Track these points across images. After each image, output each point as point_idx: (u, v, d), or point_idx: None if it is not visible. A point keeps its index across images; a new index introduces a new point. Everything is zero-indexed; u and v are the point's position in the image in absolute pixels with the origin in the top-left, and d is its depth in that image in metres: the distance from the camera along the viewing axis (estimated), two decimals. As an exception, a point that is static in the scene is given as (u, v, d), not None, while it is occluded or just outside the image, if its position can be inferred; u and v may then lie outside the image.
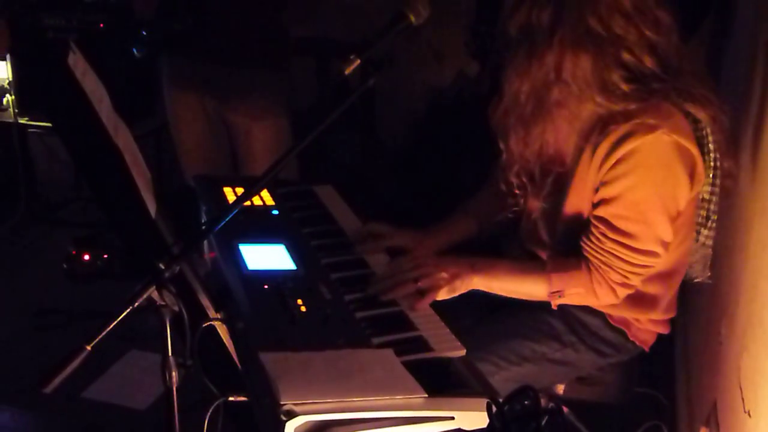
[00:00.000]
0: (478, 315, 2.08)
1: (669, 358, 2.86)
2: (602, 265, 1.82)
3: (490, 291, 1.89)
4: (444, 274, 1.84)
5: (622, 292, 1.86)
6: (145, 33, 2.93)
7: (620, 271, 1.81)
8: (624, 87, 1.73)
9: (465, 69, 4.21)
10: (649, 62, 1.74)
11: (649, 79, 1.74)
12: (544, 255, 1.98)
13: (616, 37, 1.71)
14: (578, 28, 1.71)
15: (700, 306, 2.45)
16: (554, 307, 1.92)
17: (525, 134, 1.86)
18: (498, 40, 1.82)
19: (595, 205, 1.83)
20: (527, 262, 1.96)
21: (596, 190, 1.82)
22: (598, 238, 1.81)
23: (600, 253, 1.82)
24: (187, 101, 3.16)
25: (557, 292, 1.87)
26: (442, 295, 1.83)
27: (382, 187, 4.24)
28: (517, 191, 1.97)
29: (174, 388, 1.43)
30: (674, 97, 1.75)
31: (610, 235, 1.79)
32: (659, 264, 1.85)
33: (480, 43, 3.88)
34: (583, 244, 1.85)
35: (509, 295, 1.90)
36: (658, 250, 1.80)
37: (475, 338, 1.82)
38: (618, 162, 1.74)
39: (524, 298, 1.91)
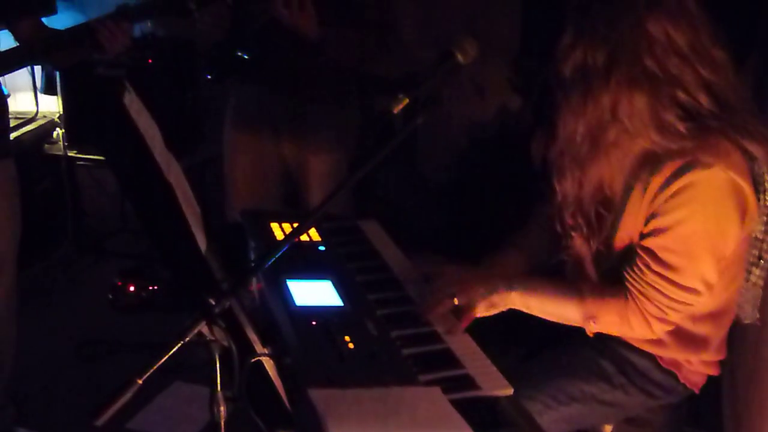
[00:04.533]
0: (526, 351, 2.06)
1: (717, 398, 2.81)
2: (640, 296, 1.80)
3: (526, 310, 1.87)
4: (482, 290, 1.84)
5: (659, 327, 1.83)
6: (215, 54, 2.94)
7: (658, 305, 1.79)
8: (680, 126, 1.72)
9: (508, 103, 4.22)
10: (704, 101, 1.72)
11: (705, 117, 1.73)
12: None
13: (671, 77, 1.70)
14: (634, 69, 1.70)
15: (747, 346, 2.41)
16: (590, 334, 1.89)
17: (581, 175, 1.85)
18: (550, 80, 1.81)
19: (643, 236, 1.81)
20: (565, 283, 1.95)
21: (646, 223, 1.80)
22: (640, 269, 1.80)
23: (640, 284, 1.80)
24: (248, 134, 3.15)
25: (591, 317, 1.85)
26: (481, 311, 1.83)
27: (425, 222, 4.24)
28: (573, 233, 1.95)
29: (222, 423, 1.44)
30: (731, 134, 1.73)
31: (654, 266, 1.78)
32: (703, 304, 1.83)
33: (523, 77, 3.89)
34: (625, 273, 1.84)
35: (545, 317, 1.89)
36: (700, 288, 1.77)
37: (524, 376, 1.81)
38: (673, 195, 1.73)
39: (558, 320, 1.89)
